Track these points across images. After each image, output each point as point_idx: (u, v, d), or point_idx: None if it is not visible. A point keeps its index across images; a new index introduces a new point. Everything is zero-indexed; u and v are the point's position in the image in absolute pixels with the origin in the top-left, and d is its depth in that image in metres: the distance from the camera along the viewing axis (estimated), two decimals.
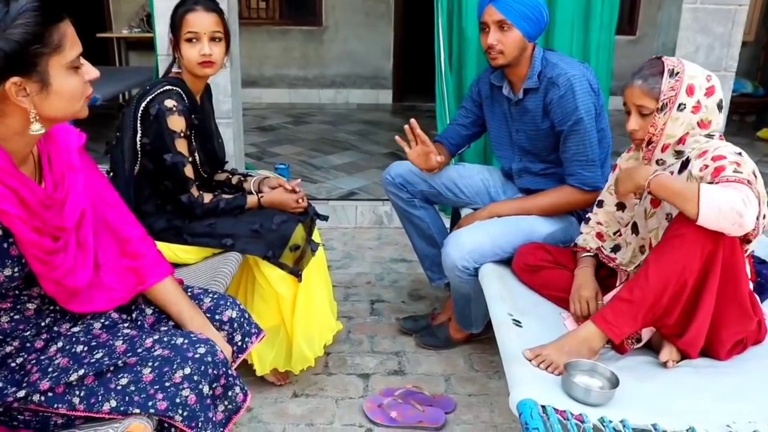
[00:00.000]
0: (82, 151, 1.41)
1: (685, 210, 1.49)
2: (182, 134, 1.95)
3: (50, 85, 1.14)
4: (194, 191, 2.02)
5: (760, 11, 7.04)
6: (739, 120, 6.36)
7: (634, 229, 1.83)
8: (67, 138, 1.36)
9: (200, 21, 1.95)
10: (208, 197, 2.05)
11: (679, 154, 1.68)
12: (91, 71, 1.23)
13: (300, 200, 2.15)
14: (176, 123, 1.93)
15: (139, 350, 1.30)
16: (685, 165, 1.66)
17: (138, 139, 1.97)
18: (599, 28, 3.20)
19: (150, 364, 1.27)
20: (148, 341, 1.32)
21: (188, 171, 1.99)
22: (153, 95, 1.94)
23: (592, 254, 1.95)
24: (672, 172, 1.68)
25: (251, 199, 2.12)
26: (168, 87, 1.96)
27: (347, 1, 7.20)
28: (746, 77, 6.43)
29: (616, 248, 1.92)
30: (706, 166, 1.58)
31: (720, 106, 1.66)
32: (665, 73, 1.64)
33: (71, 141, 1.37)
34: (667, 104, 1.63)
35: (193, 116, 2.01)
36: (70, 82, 1.17)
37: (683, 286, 1.53)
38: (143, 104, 1.95)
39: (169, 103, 1.92)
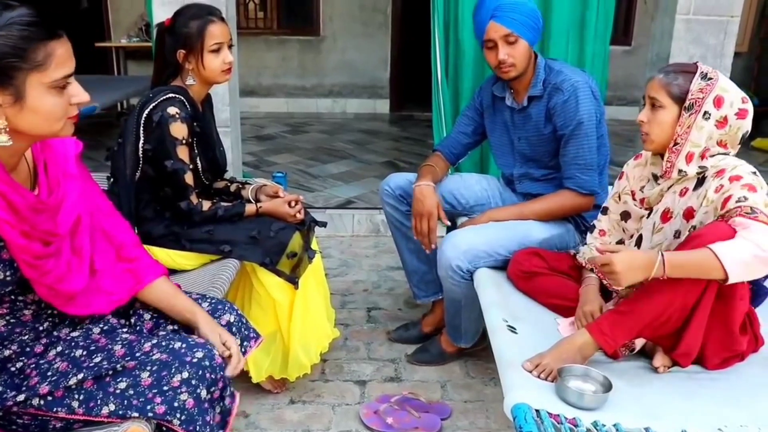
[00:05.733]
0: (79, 159, 1.42)
1: (713, 277, 1.47)
2: (184, 141, 1.98)
3: (24, 100, 1.12)
4: (193, 198, 2.03)
5: (753, 23, 7.11)
6: None
7: (639, 242, 1.81)
8: (64, 146, 1.38)
9: (221, 31, 2.02)
10: (206, 205, 2.07)
11: (702, 169, 1.65)
12: (79, 94, 1.19)
13: (297, 213, 2.17)
14: (178, 130, 1.95)
15: (138, 354, 1.31)
16: (700, 182, 1.65)
17: (140, 145, 1.99)
18: (594, 38, 3.23)
19: (149, 368, 1.28)
20: (147, 345, 1.34)
21: (188, 178, 2.01)
22: (156, 102, 1.96)
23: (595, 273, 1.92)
24: (687, 189, 1.66)
25: (249, 208, 2.14)
26: (171, 94, 1.97)
27: (345, 11, 7.25)
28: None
29: None
30: (722, 186, 1.56)
31: (743, 137, 1.66)
32: (697, 75, 1.63)
33: (68, 149, 1.38)
34: (693, 105, 1.62)
35: (195, 124, 2.04)
36: (49, 101, 1.14)
37: (684, 308, 1.54)
38: (146, 111, 1.96)
39: (172, 110, 1.94)
